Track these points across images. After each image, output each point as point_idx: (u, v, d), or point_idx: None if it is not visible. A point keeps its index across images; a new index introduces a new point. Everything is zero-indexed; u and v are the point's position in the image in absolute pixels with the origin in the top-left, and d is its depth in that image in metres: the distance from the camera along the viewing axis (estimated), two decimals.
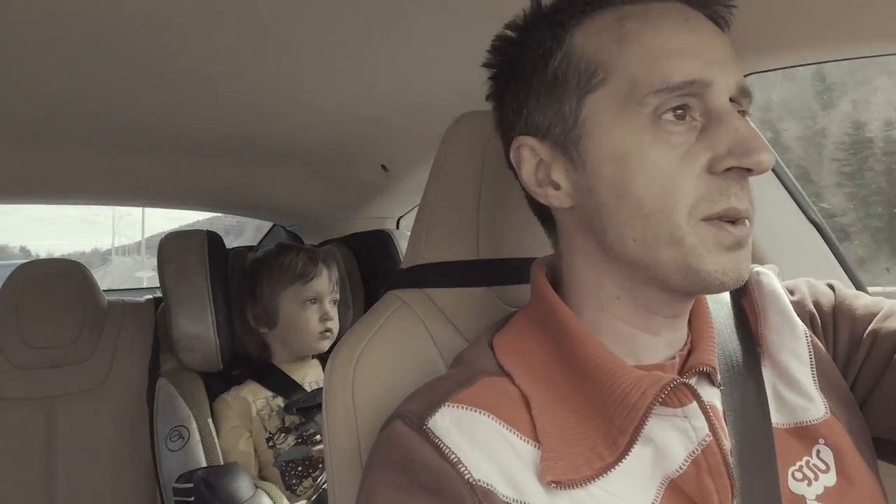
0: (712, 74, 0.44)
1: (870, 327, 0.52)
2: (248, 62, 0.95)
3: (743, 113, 0.47)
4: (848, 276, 0.80)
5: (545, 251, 0.58)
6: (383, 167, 1.41)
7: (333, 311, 1.35)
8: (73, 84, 1.01)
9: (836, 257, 0.79)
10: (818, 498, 0.46)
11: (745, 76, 0.72)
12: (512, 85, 0.51)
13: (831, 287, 0.57)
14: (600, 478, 0.42)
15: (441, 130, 1.27)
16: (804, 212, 0.81)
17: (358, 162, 1.44)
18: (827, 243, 0.80)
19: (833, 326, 0.54)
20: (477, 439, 0.44)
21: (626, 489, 0.43)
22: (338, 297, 1.39)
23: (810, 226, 0.80)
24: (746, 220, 0.44)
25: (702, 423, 0.44)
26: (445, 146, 0.69)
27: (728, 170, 0.43)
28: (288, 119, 1.22)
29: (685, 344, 0.50)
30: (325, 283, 1.35)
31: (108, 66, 0.95)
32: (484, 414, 0.45)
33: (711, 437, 0.44)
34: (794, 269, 0.60)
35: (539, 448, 0.44)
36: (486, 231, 0.66)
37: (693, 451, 0.44)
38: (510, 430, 0.45)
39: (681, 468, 0.44)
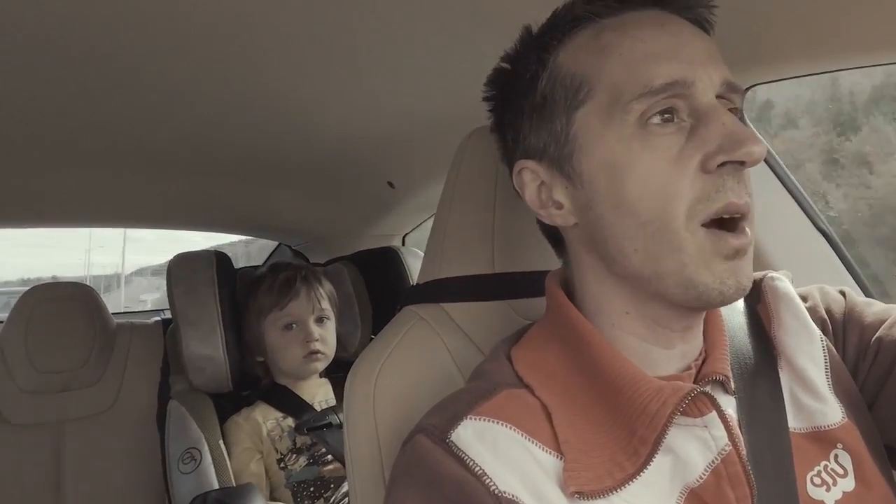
0: (693, 74, 0.44)
1: (877, 334, 0.52)
2: (250, 79, 0.96)
3: (735, 110, 0.46)
4: (857, 283, 0.80)
5: (559, 264, 0.59)
6: (390, 184, 1.42)
7: (320, 330, 1.31)
8: (73, 105, 1.02)
9: (844, 265, 0.79)
10: (837, 503, 0.46)
11: (746, 89, 0.73)
12: (508, 113, 0.53)
13: (843, 294, 0.57)
14: (622, 488, 0.42)
15: (449, 146, 1.28)
16: (812, 220, 0.81)
17: (364, 179, 1.45)
18: (835, 251, 0.80)
19: (843, 333, 0.54)
20: (500, 451, 0.43)
21: (647, 499, 0.43)
22: (329, 313, 1.35)
23: (818, 234, 0.81)
24: (747, 229, 0.44)
25: (721, 432, 0.44)
26: (459, 160, 0.70)
27: (721, 166, 0.43)
28: (293, 137, 1.23)
29: (700, 353, 0.50)
30: (304, 303, 1.30)
31: (108, 88, 0.95)
32: (506, 426, 0.45)
33: (731, 447, 0.43)
34: (803, 278, 0.60)
35: (561, 459, 0.44)
36: (501, 245, 0.66)
37: (713, 461, 0.44)
38: (532, 442, 0.45)
39: (701, 478, 0.44)
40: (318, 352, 1.29)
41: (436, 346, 0.65)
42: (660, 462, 0.43)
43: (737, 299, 0.44)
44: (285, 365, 1.31)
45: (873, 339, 0.52)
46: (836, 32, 0.59)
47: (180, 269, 1.30)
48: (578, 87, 0.47)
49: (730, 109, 0.46)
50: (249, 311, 1.33)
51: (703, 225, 0.43)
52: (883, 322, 0.52)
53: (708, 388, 0.47)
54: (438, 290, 0.68)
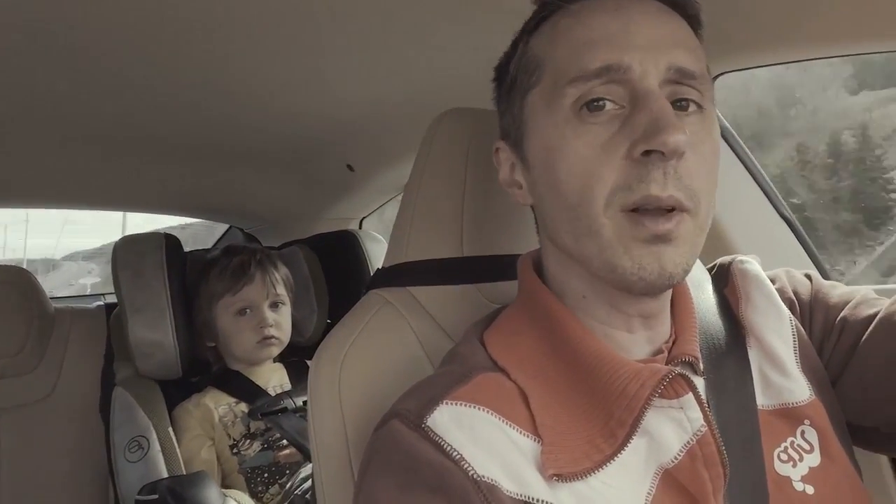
0: (630, 59, 0.43)
1: (841, 314, 0.54)
2: (205, 60, 0.92)
3: (687, 102, 0.45)
4: (818, 270, 0.83)
5: (529, 247, 0.59)
6: (349, 167, 1.39)
7: (275, 316, 1.28)
8: (22, 86, 0.95)
9: (806, 251, 0.83)
10: (803, 479, 0.47)
11: (714, 78, 0.75)
12: (497, 93, 0.55)
13: (808, 277, 0.59)
14: (599, 470, 0.43)
15: (411, 130, 1.27)
16: (776, 208, 0.84)
17: (323, 162, 1.42)
18: (797, 238, 0.83)
19: (810, 314, 0.56)
20: (478, 436, 0.43)
21: (623, 481, 0.44)
22: (284, 298, 1.32)
23: (782, 221, 0.84)
24: (679, 214, 0.42)
25: (697, 413, 0.44)
26: (428, 143, 0.68)
27: (647, 154, 0.42)
28: (248, 119, 1.19)
29: (671, 337, 0.51)
30: (259, 288, 1.27)
31: (56, 66, 0.90)
32: (483, 410, 0.45)
33: (706, 428, 0.44)
34: (767, 264, 0.62)
35: (538, 442, 0.44)
36: (470, 228, 0.65)
37: (688, 442, 0.44)
38: (510, 426, 0.44)
39: (675, 458, 0.44)
40: (272, 337, 1.26)
41: (403, 330, 0.64)
42: (636, 444, 0.44)
43: (663, 286, 0.44)
44: (238, 350, 1.27)
45: (838, 318, 0.54)
46: (806, 22, 0.61)
47: (127, 252, 1.24)
48: (533, 71, 0.48)
49: (684, 99, 0.45)
50: (200, 295, 1.28)
51: (621, 211, 0.43)
52: (847, 303, 0.54)
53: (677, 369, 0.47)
54: (406, 274, 0.67)
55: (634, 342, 0.49)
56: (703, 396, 0.47)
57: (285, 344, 1.31)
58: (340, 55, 0.92)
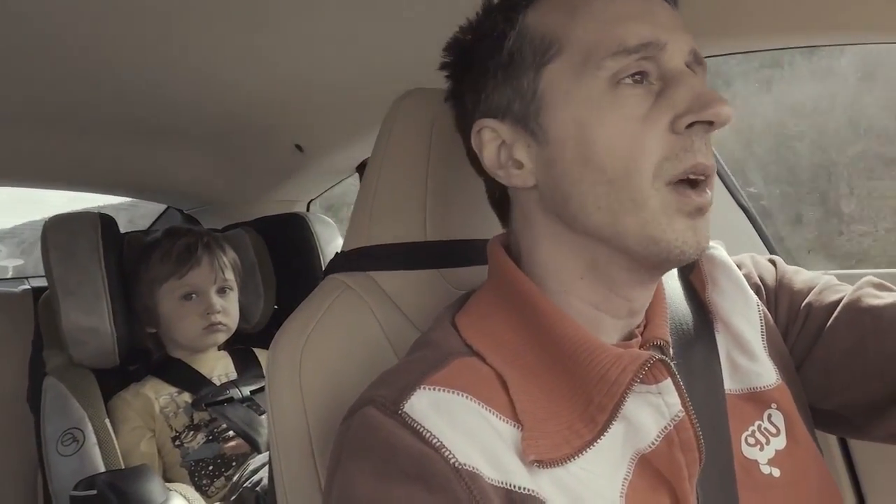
0: (667, 36, 0.45)
1: (806, 300, 0.55)
2: (137, 27, 0.85)
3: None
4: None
5: (494, 232, 0.58)
6: (298, 147, 1.35)
7: (222, 302, 1.23)
8: None
9: (762, 239, 0.85)
10: (769, 462, 0.49)
11: None
12: (468, 76, 0.53)
13: (773, 262, 0.60)
14: (579, 456, 0.42)
15: (361, 111, 1.23)
16: (734, 196, 0.86)
17: (269, 141, 1.36)
18: (753, 226, 0.86)
19: (775, 299, 0.57)
20: (458, 422, 0.42)
21: (601, 466, 0.44)
22: (232, 284, 1.27)
23: (739, 209, 0.86)
24: (707, 190, 0.45)
25: (675, 399, 0.45)
26: (390, 123, 0.66)
27: (690, 127, 0.44)
28: (184, 95, 1.12)
29: (642, 321, 0.51)
30: (206, 273, 1.21)
31: None
32: (462, 395, 0.43)
33: (684, 413, 0.45)
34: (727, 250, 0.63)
35: (518, 428, 0.43)
36: (434, 212, 0.64)
37: (666, 427, 0.45)
38: (489, 411, 0.44)
39: (653, 444, 0.45)
40: (219, 323, 1.21)
41: (364, 316, 0.62)
42: (614, 430, 0.43)
43: (695, 258, 0.45)
44: (182, 337, 1.22)
45: (803, 304, 0.55)
46: (793, 9, 0.62)
47: (58, 232, 1.16)
48: (548, 46, 0.47)
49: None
50: (141, 279, 1.21)
51: (667, 184, 0.44)
52: (812, 288, 0.56)
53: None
54: (367, 258, 0.65)
55: (614, 327, 0.49)
56: None
57: (232, 331, 1.26)
58: (287, 34, 0.87)
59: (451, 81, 0.55)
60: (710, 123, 0.44)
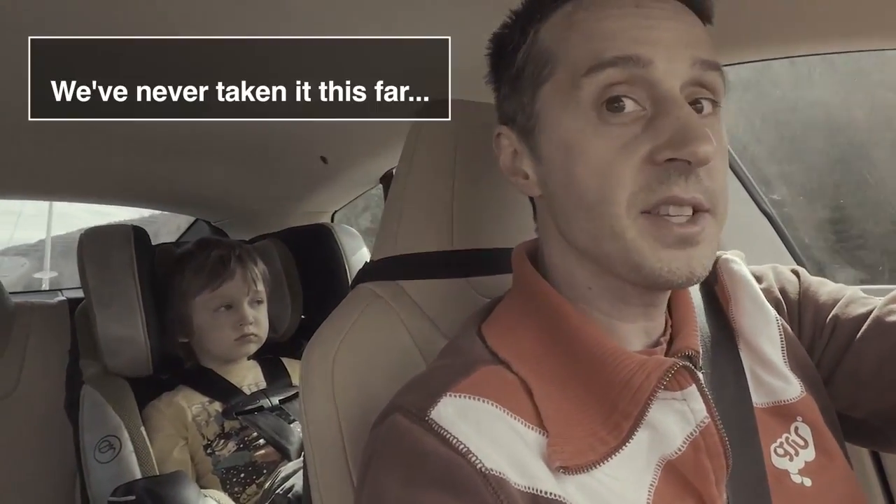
0: (654, 54, 0.42)
1: (832, 313, 0.55)
2: (149, 22, 0.87)
3: (712, 102, 0.46)
4: (797, 264, 0.86)
5: (520, 240, 0.58)
6: (323, 159, 1.37)
7: (254, 313, 1.26)
8: None
9: (786, 246, 0.85)
10: (800, 472, 0.48)
11: None
12: (495, 74, 0.54)
13: (796, 273, 0.59)
14: (604, 462, 0.43)
15: (386, 122, 1.24)
16: (757, 203, 0.86)
17: (296, 154, 1.39)
18: (777, 233, 0.85)
19: (798, 312, 0.56)
20: (484, 429, 0.42)
21: (627, 473, 0.44)
22: (262, 295, 1.30)
23: (762, 216, 0.85)
24: (703, 215, 0.43)
25: (700, 405, 0.45)
26: (415, 135, 0.68)
27: (669, 161, 0.42)
28: None
29: (666, 329, 0.51)
30: (239, 285, 1.24)
31: (13, 53, 0.85)
32: (488, 402, 0.44)
33: (710, 419, 0.45)
34: (748, 258, 0.63)
35: (544, 435, 0.44)
36: (460, 221, 0.65)
37: (691, 433, 0.45)
38: (515, 418, 0.44)
39: (679, 450, 0.45)
40: (251, 334, 1.24)
41: (394, 325, 0.63)
42: (639, 436, 0.44)
43: (690, 286, 0.45)
44: (215, 348, 1.24)
45: (829, 317, 0.55)
46: (812, 16, 0.62)
47: (93, 244, 1.20)
48: (546, 63, 0.47)
49: (704, 99, 0.45)
50: (174, 289, 1.24)
51: (642, 212, 0.43)
52: (837, 301, 0.55)
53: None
54: (395, 267, 0.66)
55: (634, 333, 0.49)
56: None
57: (263, 341, 1.28)
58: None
59: (492, 71, 0.54)
60: (689, 162, 0.42)
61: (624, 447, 0.43)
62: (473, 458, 0.41)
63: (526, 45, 0.49)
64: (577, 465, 0.42)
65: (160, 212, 2.14)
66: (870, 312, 0.53)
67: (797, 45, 0.69)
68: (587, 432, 0.44)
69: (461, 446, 0.41)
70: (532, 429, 0.44)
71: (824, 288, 0.57)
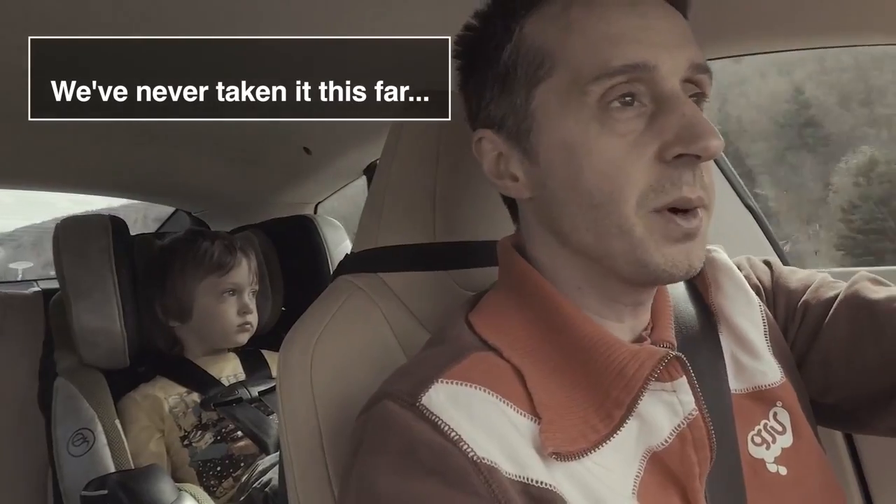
0: (657, 57, 0.43)
1: (803, 298, 0.56)
2: (146, 31, 0.86)
3: (702, 95, 0.47)
4: (779, 258, 0.86)
5: (503, 234, 0.58)
6: (306, 150, 1.36)
7: (253, 304, 1.28)
8: None
9: (768, 240, 0.85)
10: (776, 460, 0.49)
11: None
12: (472, 77, 0.52)
13: (767, 263, 0.60)
14: (595, 450, 0.43)
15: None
16: (741, 198, 0.87)
17: (279, 144, 1.37)
18: (761, 227, 0.86)
19: (773, 300, 0.57)
20: (476, 415, 0.42)
21: (615, 462, 0.44)
22: (257, 288, 1.32)
23: (746, 211, 0.86)
24: (699, 210, 0.44)
25: (689, 397, 0.45)
26: (399, 126, 0.67)
27: (678, 157, 0.43)
28: None
29: (648, 324, 0.51)
30: (245, 273, 1.27)
31: None
32: (480, 389, 0.43)
33: (697, 412, 0.45)
34: (732, 252, 0.64)
35: (535, 422, 0.43)
36: (443, 214, 0.64)
37: (679, 425, 0.45)
38: (507, 405, 0.44)
39: (665, 441, 0.45)
40: (249, 324, 1.25)
41: (374, 317, 0.62)
42: (628, 426, 0.44)
43: (685, 279, 0.46)
44: (215, 332, 1.24)
45: (800, 302, 0.56)
46: (798, 11, 0.62)
47: (70, 235, 1.17)
48: (541, 63, 0.46)
49: (695, 94, 0.46)
50: (175, 272, 1.23)
51: (651, 211, 0.43)
52: (807, 287, 0.56)
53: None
54: (376, 259, 0.65)
55: (622, 331, 0.49)
56: None
57: (254, 332, 1.28)
58: (292, 31, 0.88)
59: (461, 75, 0.54)
60: (698, 156, 0.43)
61: (614, 436, 0.43)
62: (465, 447, 0.40)
63: (512, 43, 0.47)
64: (569, 452, 0.42)
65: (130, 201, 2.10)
66: (837, 296, 0.54)
67: (772, 41, 0.69)
68: (579, 419, 0.44)
69: (452, 434, 0.41)
70: (524, 415, 0.44)
71: (795, 275, 0.58)
